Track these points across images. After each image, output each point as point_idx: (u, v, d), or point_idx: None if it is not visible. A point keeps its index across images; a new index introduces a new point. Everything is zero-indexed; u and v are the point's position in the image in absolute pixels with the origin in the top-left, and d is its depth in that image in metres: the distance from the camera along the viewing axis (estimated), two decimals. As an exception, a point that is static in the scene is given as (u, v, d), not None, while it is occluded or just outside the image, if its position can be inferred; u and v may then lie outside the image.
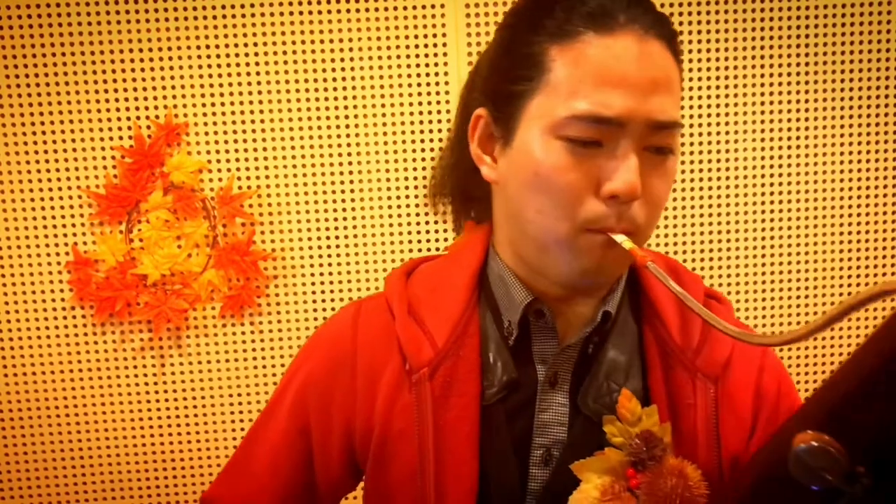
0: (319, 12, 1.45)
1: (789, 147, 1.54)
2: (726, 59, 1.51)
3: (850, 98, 1.53)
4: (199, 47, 1.45)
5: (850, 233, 1.57)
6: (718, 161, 1.54)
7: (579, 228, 0.61)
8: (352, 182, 1.49)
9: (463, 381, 0.68)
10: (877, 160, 1.55)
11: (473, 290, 0.72)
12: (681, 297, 0.56)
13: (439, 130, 1.49)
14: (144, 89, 1.45)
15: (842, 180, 1.56)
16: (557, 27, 0.61)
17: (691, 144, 1.53)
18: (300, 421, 0.74)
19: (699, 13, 1.49)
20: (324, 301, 1.53)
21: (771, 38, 1.50)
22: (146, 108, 1.46)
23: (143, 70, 1.44)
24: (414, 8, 1.45)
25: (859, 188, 1.56)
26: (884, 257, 1.59)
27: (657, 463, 0.64)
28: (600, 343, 0.70)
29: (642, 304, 0.73)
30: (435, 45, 1.46)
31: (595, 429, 0.67)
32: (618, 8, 0.60)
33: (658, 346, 0.70)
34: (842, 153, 1.55)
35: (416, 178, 1.50)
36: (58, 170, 1.46)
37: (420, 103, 1.48)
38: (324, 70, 1.46)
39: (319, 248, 1.52)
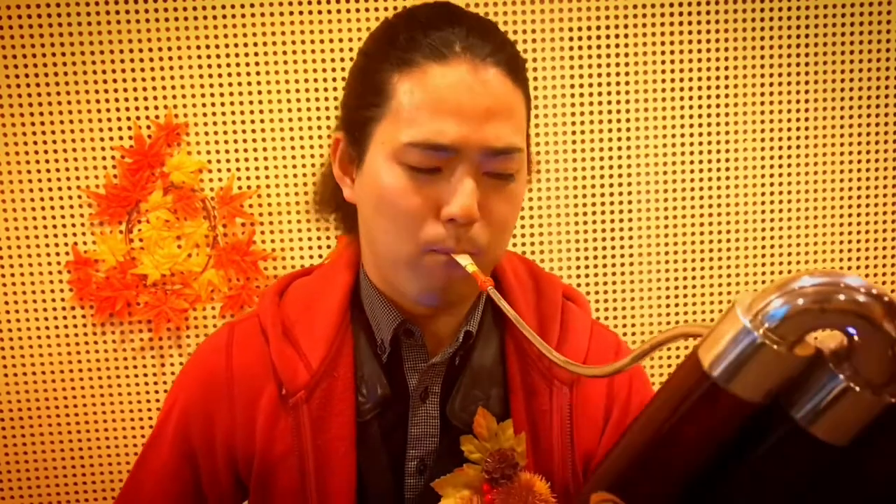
0: (319, 12, 1.45)
1: (789, 147, 1.54)
2: (726, 59, 1.51)
3: (850, 98, 1.53)
4: (199, 47, 1.45)
5: (850, 233, 1.57)
6: (718, 161, 1.54)
7: (421, 249, 0.64)
8: (352, 182, 1.49)
9: (339, 399, 0.70)
10: (877, 160, 1.55)
11: (346, 309, 0.73)
12: (516, 323, 0.59)
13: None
14: (144, 89, 1.45)
15: (842, 180, 1.56)
16: (400, 56, 0.63)
17: (692, 145, 1.53)
18: (184, 448, 0.73)
19: (699, 13, 1.49)
20: (324, 301, 1.53)
21: (771, 38, 1.50)
22: (146, 108, 1.46)
23: (143, 70, 1.44)
24: (414, 8, 1.45)
25: (859, 188, 1.56)
26: (884, 257, 1.59)
27: (510, 480, 0.69)
28: (466, 355, 0.73)
29: (504, 315, 0.76)
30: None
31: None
32: (456, 38, 0.62)
33: (518, 355, 0.74)
34: (842, 153, 1.55)
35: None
36: (58, 170, 1.46)
37: (420, 103, 1.47)
38: (324, 70, 1.46)
39: (319, 248, 1.52)
